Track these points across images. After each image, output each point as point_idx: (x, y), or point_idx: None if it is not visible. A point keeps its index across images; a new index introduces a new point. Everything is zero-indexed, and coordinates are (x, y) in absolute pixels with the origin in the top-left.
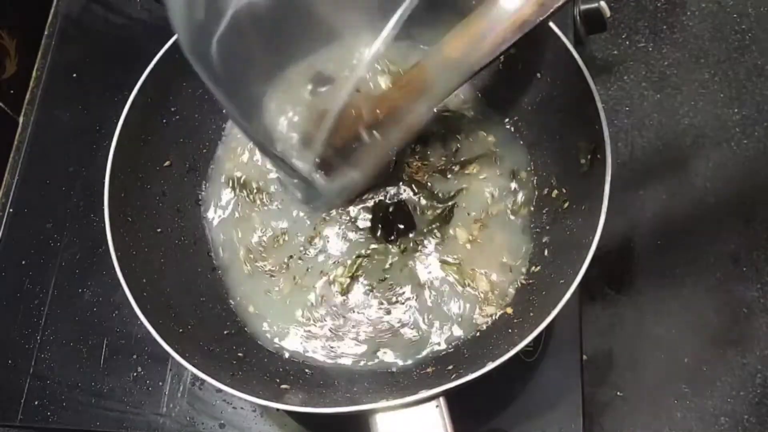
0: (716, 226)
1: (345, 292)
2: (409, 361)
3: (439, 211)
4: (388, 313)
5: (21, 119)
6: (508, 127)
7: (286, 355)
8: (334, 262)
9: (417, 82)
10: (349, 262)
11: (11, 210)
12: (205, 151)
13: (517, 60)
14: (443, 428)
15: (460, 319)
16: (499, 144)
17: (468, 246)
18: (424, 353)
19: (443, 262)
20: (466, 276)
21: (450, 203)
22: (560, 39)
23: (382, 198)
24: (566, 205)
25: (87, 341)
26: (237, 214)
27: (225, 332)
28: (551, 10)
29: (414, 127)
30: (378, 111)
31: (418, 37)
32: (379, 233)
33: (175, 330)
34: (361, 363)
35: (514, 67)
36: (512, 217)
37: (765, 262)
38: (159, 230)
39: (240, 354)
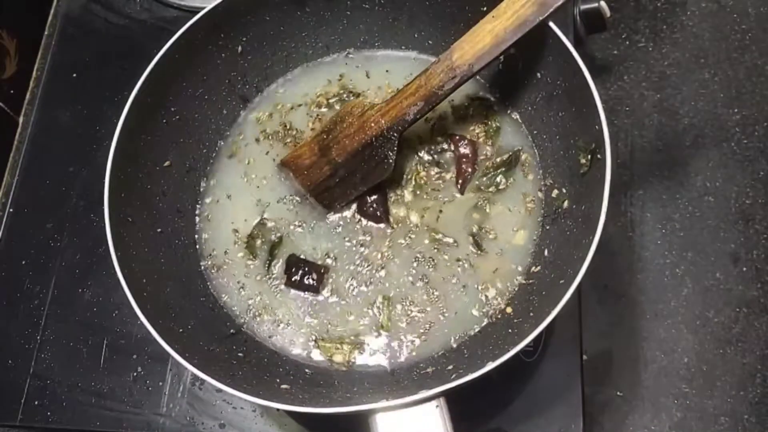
0: (716, 226)
1: (344, 296)
2: (410, 362)
3: (437, 211)
4: (393, 310)
5: (21, 119)
6: (508, 127)
7: (286, 355)
8: (333, 260)
9: (424, 89)
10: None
11: (11, 210)
12: (205, 151)
13: (517, 60)
14: (443, 428)
15: (461, 319)
16: (499, 144)
17: (468, 245)
18: (427, 351)
19: (444, 260)
20: (466, 275)
21: (441, 168)
22: (560, 39)
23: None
24: (566, 205)
25: (87, 341)
26: (236, 214)
27: (225, 332)
28: (551, 10)
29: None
30: (383, 120)
31: (427, 49)
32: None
33: (175, 330)
34: (363, 361)
35: (515, 67)
36: (512, 218)
37: (765, 262)
38: (159, 230)
39: (240, 354)
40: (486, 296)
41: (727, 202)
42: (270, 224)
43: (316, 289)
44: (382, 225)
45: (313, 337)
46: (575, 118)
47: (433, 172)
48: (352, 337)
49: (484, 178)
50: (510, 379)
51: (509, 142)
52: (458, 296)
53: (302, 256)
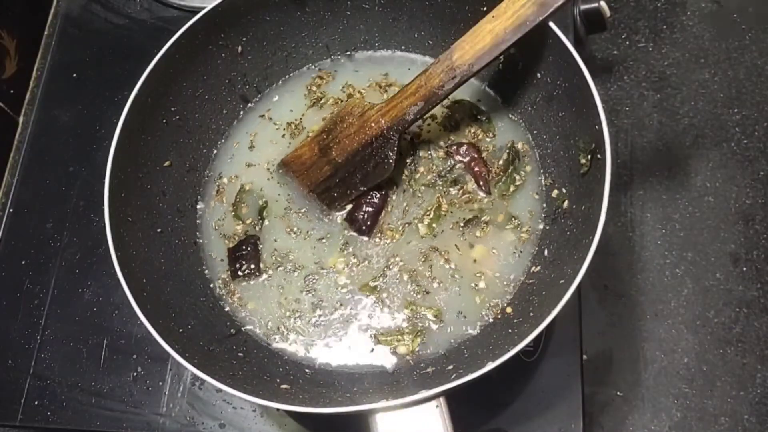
0: (716, 226)
1: (347, 295)
2: (411, 361)
3: (437, 210)
4: (391, 312)
5: (21, 119)
6: (508, 127)
7: (286, 355)
8: (334, 262)
9: (424, 90)
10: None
11: (11, 210)
12: (205, 151)
13: (517, 60)
14: (443, 428)
15: (461, 317)
16: (497, 133)
17: (468, 244)
18: (427, 352)
19: (444, 258)
20: (467, 274)
21: (449, 204)
22: (560, 39)
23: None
24: (566, 205)
25: (87, 341)
26: (236, 213)
27: (225, 332)
28: (551, 10)
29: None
30: (383, 120)
31: (427, 49)
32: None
33: (175, 330)
34: (362, 362)
35: (515, 67)
36: (512, 218)
37: (765, 262)
38: (159, 230)
39: (240, 354)
40: (483, 296)
41: (727, 202)
42: (248, 186)
43: (234, 275)
44: (364, 237)
45: (372, 333)
46: (575, 118)
47: (454, 191)
48: (411, 327)
49: (501, 184)
50: (510, 379)
51: (504, 131)
52: (456, 294)
53: (260, 247)
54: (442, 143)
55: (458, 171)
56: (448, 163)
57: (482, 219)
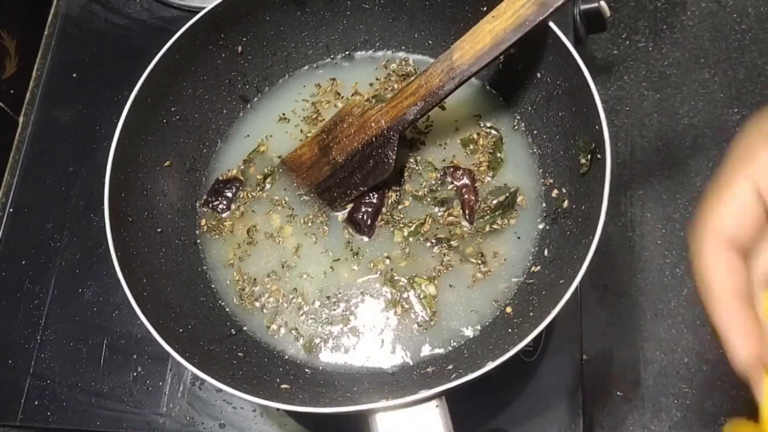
0: None
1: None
2: (411, 361)
3: (434, 211)
4: (392, 310)
5: (21, 119)
6: (508, 127)
7: (287, 355)
8: (335, 260)
9: (424, 89)
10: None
11: (11, 210)
12: (205, 151)
13: (517, 60)
14: (443, 428)
15: (461, 317)
16: (499, 144)
17: (467, 244)
18: (426, 351)
19: (444, 258)
20: (468, 273)
21: (447, 205)
22: (560, 39)
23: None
24: (566, 205)
25: (87, 341)
26: (236, 213)
27: (225, 332)
28: (551, 10)
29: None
30: (383, 120)
31: (427, 49)
32: None
33: (175, 330)
34: (362, 362)
35: (515, 67)
36: (512, 218)
37: None
38: (159, 230)
39: (240, 354)
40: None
41: None
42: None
43: (207, 202)
44: (364, 237)
45: (369, 332)
46: (575, 118)
47: (439, 213)
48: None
49: (481, 220)
50: (510, 379)
51: (510, 178)
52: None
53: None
54: (442, 159)
55: (449, 193)
56: (441, 179)
57: (452, 243)
